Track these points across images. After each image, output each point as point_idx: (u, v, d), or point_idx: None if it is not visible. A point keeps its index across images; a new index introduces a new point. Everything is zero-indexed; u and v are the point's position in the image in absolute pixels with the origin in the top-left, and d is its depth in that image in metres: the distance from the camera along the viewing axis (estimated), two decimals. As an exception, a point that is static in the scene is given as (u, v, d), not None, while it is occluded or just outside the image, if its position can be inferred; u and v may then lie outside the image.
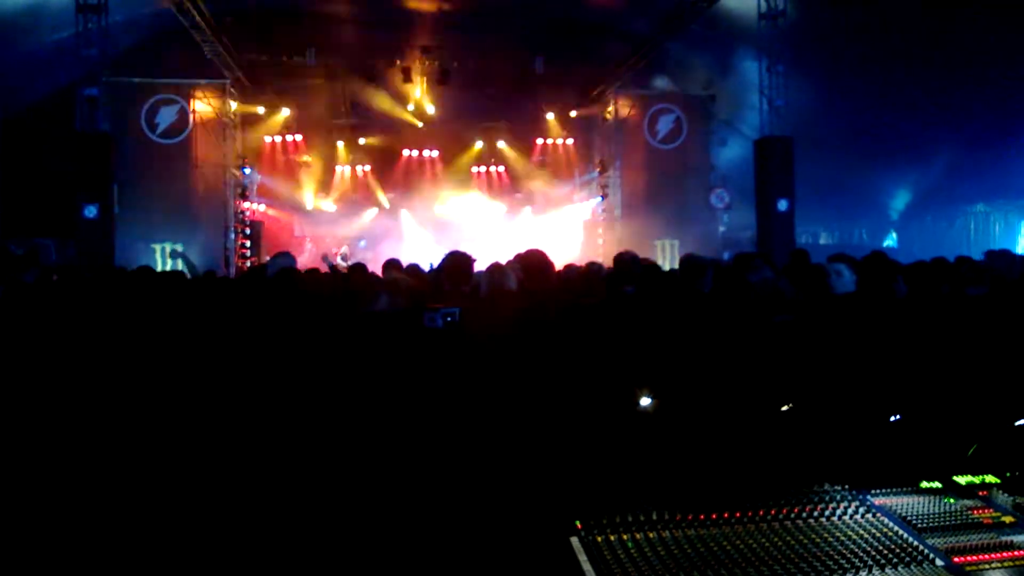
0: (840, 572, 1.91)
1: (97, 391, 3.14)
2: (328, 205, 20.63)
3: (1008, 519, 2.13)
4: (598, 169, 19.97)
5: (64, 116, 12.96)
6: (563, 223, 21.66)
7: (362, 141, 20.43)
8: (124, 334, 3.78)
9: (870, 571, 1.91)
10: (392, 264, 6.21)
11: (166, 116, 16.54)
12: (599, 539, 2.04)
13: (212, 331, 3.92)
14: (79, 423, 2.95)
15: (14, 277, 4.91)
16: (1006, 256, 5.52)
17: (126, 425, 2.91)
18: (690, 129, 19.02)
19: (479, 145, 21.16)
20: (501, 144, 21.14)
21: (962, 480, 2.33)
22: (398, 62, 18.18)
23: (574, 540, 2.03)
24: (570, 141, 21.31)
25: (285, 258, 5.03)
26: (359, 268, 6.49)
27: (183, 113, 16.62)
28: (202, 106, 16.85)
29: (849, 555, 1.97)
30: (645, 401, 2.55)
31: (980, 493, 2.27)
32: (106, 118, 12.60)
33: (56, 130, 13.79)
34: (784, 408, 2.54)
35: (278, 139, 19.66)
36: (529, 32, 18.02)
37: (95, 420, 2.97)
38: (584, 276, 5.74)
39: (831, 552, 1.98)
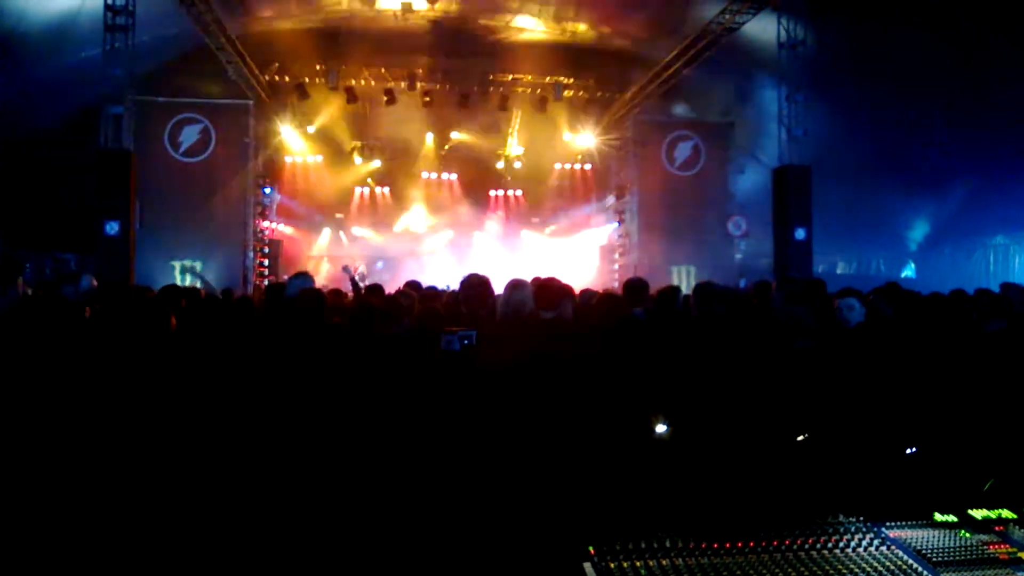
0: (854, 604, 1.90)
1: (121, 412, 3.18)
2: (347, 225, 20.85)
3: (1024, 555, 2.12)
4: (615, 195, 20.02)
5: (89, 133, 13.14)
6: (580, 248, 21.70)
7: (380, 163, 20.64)
8: (143, 353, 3.82)
9: (884, 604, 1.91)
10: (411, 286, 6.25)
11: (189, 135, 16.76)
12: (611, 565, 2.05)
13: (234, 352, 3.96)
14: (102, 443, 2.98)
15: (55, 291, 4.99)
16: (1021, 290, 5.48)
17: (152, 448, 2.94)
18: (708, 156, 19.04)
19: (499, 167, 21.32)
20: (518, 167, 21.28)
21: (978, 514, 2.32)
22: (418, 85, 18.37)
23: (587, 566, 2.04)
24: (588, 166, 21.42)
25: (304, 279, 5.08)
26: (377, 289, 6.53)
27: (206, 132, 16.84)
28: (225, 126, 17.07)
29: (863, 587, 1.96)
30: (660, 428, 2.55)
31: (996, 528, 2.25)
32: (130, 136, 12.77)
33: (81, 147, 14.00)
34: (800, 438, 2.54)
35: (299, 159, 19.91)
36: (549, 58, 18.19)
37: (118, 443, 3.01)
38: (602, 301, 5.75)
39: (845, 584, 1.98)
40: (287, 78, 18.23)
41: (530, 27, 17.15)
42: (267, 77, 17.86)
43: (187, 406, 3.26)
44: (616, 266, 19.80)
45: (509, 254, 20.92)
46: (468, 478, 2.42)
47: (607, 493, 2.25)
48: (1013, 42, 13.35)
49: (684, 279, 18.21)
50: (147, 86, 15.43)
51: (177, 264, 16.30)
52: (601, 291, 8.03)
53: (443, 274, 18.71)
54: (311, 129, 19.38)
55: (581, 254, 21.49)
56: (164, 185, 16.36)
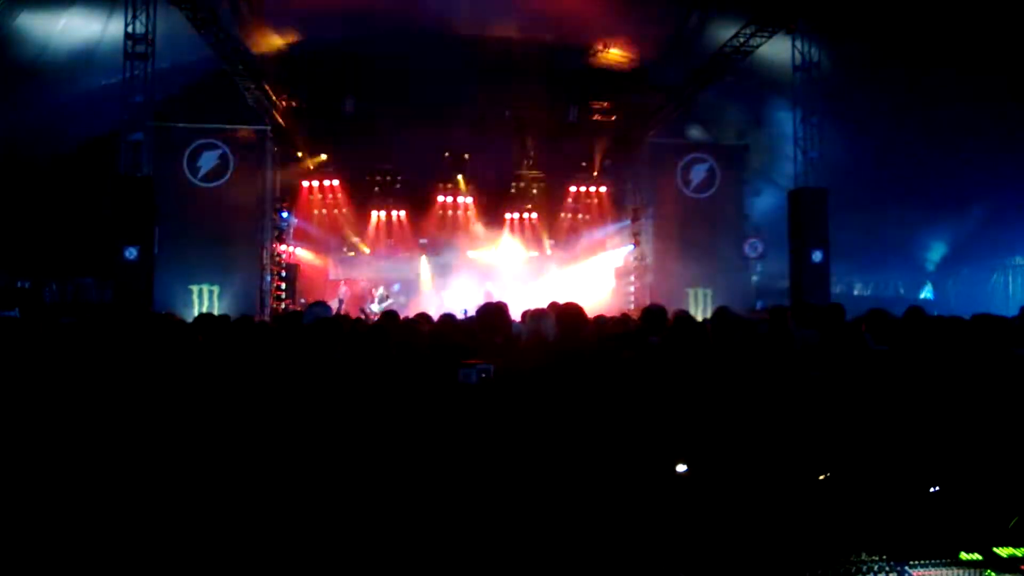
0: (878, 648, 1.87)
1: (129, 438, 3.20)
2: (363, 249, 20.99)
3: (1052, 596, 2.07)
4: (631, 217, 20.03)
5: (109, 159, 13.33)
6: (595, 270, 21.69)
7: (398, 186, 20.79)
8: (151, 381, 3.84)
9: (909, 648, 1.87)
10: (422, 318, 6.27)
11: (207, 160, 16.94)
12: (630, 605, 2.02)
13: (251, 381, 3.97)
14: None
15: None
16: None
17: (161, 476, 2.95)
18: (723, 179, 19.02)
19: (512, 191, 21.41)
20: (534, 191, 21.37)
21: (1003, 553, 2.27)
22: (444, 111, 18.45)
23: (605, 605, 2.02)
24: (603, 189, 21.47)
25: (322, 308, 5.10)
26: (392, 316, 6.54)
27: (224, 158, 17.02)
28: (243, 151, 17.27)
29: (887, 630, 1.93)
30: (680, 467, 2.53)
31: (1022, 567, 2.21)
32: (149, 162, 12.93)
33: (101, 172, 14.20)
34: (822, 477, 2.50)
35: (315, 183, 20.09)
36: (564, 80, 18.29)
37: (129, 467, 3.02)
38: (616, 327, 5.74)
39: (868, 626, 1.94)
40: (304, 103, 18.42)
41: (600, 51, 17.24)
42: (284, 103, 18.07)
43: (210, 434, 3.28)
44: (632, 288, 19.77)
45: (526, 277, 20.94)
46: (483, 511, 2.41)
47: (624, 533, 2.23)
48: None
49: (700, 301, 18.15)
50: (166, 112, 15.67)
51: (195, 288, 16.42)
52: (617, 315, 8.02)
53: (460, 297, 18.77)
54: (328, 154, 19.55)
55: (597, 276, 21.47)
56: (182, 210, 16.54)
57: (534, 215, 21.92)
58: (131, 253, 12.27)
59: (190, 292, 16.33)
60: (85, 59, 13.84)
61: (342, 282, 20.19)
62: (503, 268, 21.42)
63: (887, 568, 2.18)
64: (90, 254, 15.60)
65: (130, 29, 12.50)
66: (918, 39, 13.65)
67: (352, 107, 18.10)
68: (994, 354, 4.28)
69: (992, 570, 2.20)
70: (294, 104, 18.32)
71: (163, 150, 15.29)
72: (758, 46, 14.53)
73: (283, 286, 18.04)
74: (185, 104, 16.47)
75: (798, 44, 13.88)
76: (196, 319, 5.36)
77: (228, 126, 17.02)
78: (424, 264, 21.40)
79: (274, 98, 17.21)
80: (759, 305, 17.22)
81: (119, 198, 12.51)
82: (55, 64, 13.66)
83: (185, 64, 15.33)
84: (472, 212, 21.53)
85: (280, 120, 17.96)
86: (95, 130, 15.23)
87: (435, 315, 7.10)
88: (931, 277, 21.67)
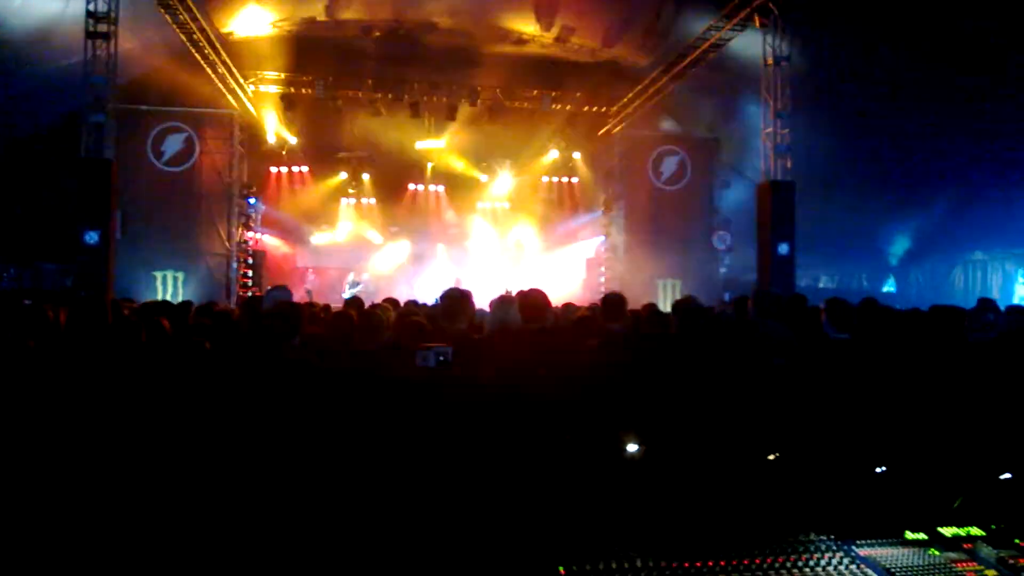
0: (821, 624, 1.90)
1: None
2: (332, 236, 20.80)
3: (991, 573, 2.11)
4: (602, 208, 20.09)
5: (70, 142, 13.04)
6: (567, 261, 21.74)
7: (367, 175, 20.62)
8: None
9: (851, 624, 1.90)
10: (389, 303, 6.23)
11: (172, 144, 16.68)
12: (581, 584, 2.03)
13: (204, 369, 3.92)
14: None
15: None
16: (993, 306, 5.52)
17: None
18: (694, 171, 19.17)
19: (484, 180, 21.36)
20: (506, 180, 21.33)
21: (947, 532, 2.32)
22: (405, 97, 18.36)
23: (556, 585, 2.02)
24: (575, 180, 21.51)
25: (282, 291, 5.04)
26: (356, 303, 6.49)
27: (190, 142, 16.76)
28: (209, 135, 17.01)
29: (831, 607, 1.96)
30: (632, 447, 2.54)
31: (965, 546, 2.26)
32: (111, 145, 12.68)
33: (62, 155, 13.89)
34: (771, 457, 2.53)
35: (284, 170, 19.86)
36: (537, 71, 18.25)
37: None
38: (583, 316, 5.75)
39: (814, 603, 1.97)
40: (272, 87, 18.18)
41: (520, 40, 17.20)
42: (253, 86, 17.82)
43: (159, 417, 3.22)
44: (602, 279, 19.85)
45: (497, 267, 20.92)
46: (437, 497, 2.40)
47: (578, 513, 2.24)
48: (992, 60, 13.52)
49: (670, 293, 18.27)
50: (130, 94, 15.37)
51: (159, 275, 16.18)
52: (587, 305, 8.05)
53: (431, 285, 18.71)
54: (296, 139, 19.33)
55: (568, 267, 21.53)
56: (147, 194, 16.30)
57: (506, 205, 21.89)
58: (92, 237, 12.03)
59: (153, 278, 16.09)
60: (45, 38, 13.48)
61: (309, 270, 20.00)
62: (475, 257, 21.38)
63: (835, 546, 2.21)
64: (51, 239, 15.28)
65: (92, 7, 12.19)
66: (888, 34, 13.82)
67: (322, 92, 17.88)
68: (947, 342, 4.37)
69: (936, 548, 2.24)
70: (261, 87, 18.07)
71: (127, 133, 15.03)
72: (730, 39, 14.63)
73: (250, 273, 17.82)
74: (150, 86, 16.15)
75: (768, 38, 13.97)
76: (141, 305, 5.27)
77: (194, 109, 16.75)
78: (395, 252, 21.28)
79: (242, 81, 16.95)
80: (727, 297, 17.37)
81: (80, 181, 12.25)
82: (13, 43, 13.29)
83: (149, 45, 15.03)
84: (444, 201, 21.46)
85: (248, 104, 17.71)
86: (56, 112, 14.88)
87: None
88: (894, 271, 22.04)
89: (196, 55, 14.71)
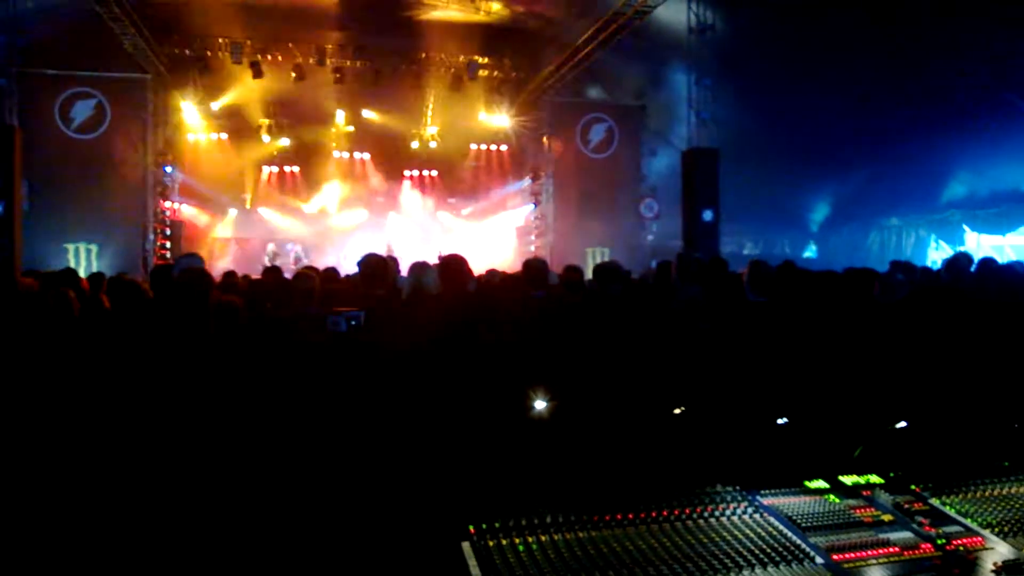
0: (724, 571, 1.93)
1: None
2: (255, 205, 20.27)
3: (887, 517, 2.19)
4: (531, 176, 20.07)
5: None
6: (496, 229, 21.71)
7: (289, 141, 20.07)
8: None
9: (752, 570, 1.94)
10: (308, 270, 6.10)
11: (82, 111, 15.91)
12: (491, 543, 2.02)
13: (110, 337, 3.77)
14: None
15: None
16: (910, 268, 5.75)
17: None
18: (622, 139, 19.29)
19: (414, 146, 21.07)
20: (433, 147, 21.08)
21: (848, 480, 2.39)
22: (328, 62, 17.89)
23: (465, 545, 2.00)
24: (504, 147, 21.40)
25: (192, 259, 4.88)
26: (274, 271, 6.35)
27: (100, 108, 16.01)
28: (121, 101, 16.26)
29: (735, 554, 1.99)
30: (541, 404, 2.54)
31: (864, 493, 2.33)
32: (14, 111, 12.04)
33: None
34: (677, 411, 2.56)
35: (201, 137, 19.17)
36: (464, 37, 18.00)
37: None
38: (505, 281, 5.74)
39: (718, 552, 2.01)
40: (188, 51, 17.44)
41: (444, 5, 16.92)
42: (167, 50, 17.06)
43: (71, 391, 3.10)
44: (532, 248, 19.89)
45: (425, 236, 20.76)
46: (346, 456, 2.35)
47: (487, 472, 2.22)
48: (912, 30, 13.94)
49: (599, 260, 18.45)
50: (35, 57, 14.53)
51: (71, 247, 15.50)
52: (510, 272, 8.04)
53: (359, 254, 18.42)
54: (215, 106, 18.66)
55: (498, 235, 21.50)
56: (56, 163, 15.53)
57: (434, 172, 21.67)
58: (-4, 208, 11.45)
59: (65, 251, 15.41)
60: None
61: (232, 241, 19.47)
62: (404, 226, 21.16)
63: (739, 497, 2.26)
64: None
65: (-11, -38, 11.52)
66: (810, 3, 14.09)
67: (239, 57, 17.24)
68: (857, 301, 4.51)
69: (836, 496, 2.31)
70: (176, 51, 17.31)
71: (31, 98, 14.23)
72: (655, 6, 14.65)
73: (168, 244, 17.23)
74: (56, 49, 15.30)
75: (693, 6, 14.07)
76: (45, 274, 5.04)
77: (104, 74, 15.97)
78: (321, 221, 20.87)
79: (156, 45, 16.21)
80: (653, 264, 17.63)
81: (-19, 148, 11.62)
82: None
83: (55, 5, 14.22)
84: (370, 168, 21.10)
85: (162, 68, 16.97)
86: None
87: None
88: (815, 237, 22.76)
89: (104, 16, 13.98)
